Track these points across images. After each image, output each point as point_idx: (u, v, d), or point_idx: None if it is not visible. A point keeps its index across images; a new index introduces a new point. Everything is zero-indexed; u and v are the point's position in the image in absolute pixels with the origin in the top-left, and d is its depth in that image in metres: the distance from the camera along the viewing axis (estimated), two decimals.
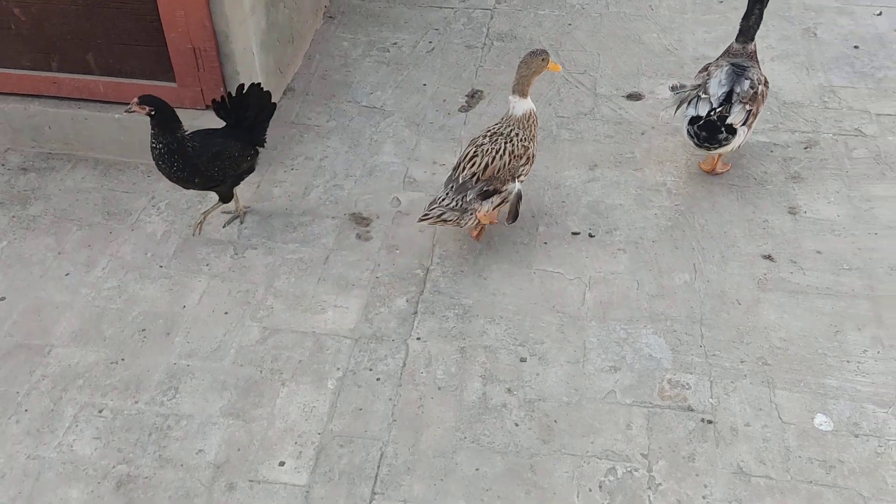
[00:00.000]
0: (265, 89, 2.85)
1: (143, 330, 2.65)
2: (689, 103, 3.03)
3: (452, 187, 2.75)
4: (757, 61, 3.11)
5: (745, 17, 3.08)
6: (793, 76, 3.63)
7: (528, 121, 2.80)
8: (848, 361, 2.47)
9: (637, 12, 4.13)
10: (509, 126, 2.78)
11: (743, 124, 2.92)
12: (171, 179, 2.75)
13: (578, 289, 2.76)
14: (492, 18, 4.15)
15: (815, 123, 3.38)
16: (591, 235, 2.96)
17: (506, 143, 2.75)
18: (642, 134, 3.40)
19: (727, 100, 2.92)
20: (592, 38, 3.98)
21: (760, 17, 3.06)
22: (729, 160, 3.20)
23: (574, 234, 2.97)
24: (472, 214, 2.73)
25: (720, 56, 3.15)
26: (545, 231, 2.99)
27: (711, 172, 3.17)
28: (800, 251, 2.83)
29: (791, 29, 3.92)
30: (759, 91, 2.98)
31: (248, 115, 2.86)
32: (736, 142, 2.93)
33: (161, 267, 2.87)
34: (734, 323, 2.61)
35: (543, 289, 2.77)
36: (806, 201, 3.03)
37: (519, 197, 2.82)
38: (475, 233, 2.93)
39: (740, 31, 3.09)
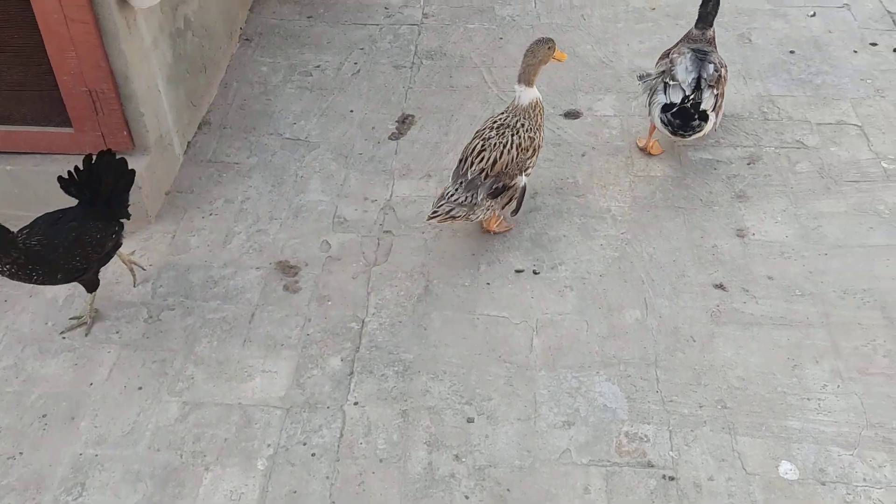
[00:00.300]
0: (118, 156, 2.48)
1: (44, 416, 2.36)
2: (658, 91, 3.00)
3: (462, 183, 2.68)
4: (715, 47, 3.11)
5: (703, 4, 3.07)
6: (730, 86, 3.51)
7: (533, 110, 2.74)
8: (808, 399, 2.36)
9: (569, 23, 3.98)
10: (515, 116, 2.72)
11: (712, 109, 2.93)
12: (35, 284, 2.38)
13: (525, 334, 2.59)
14: (419, 35, 3.94)
15: (756, 137, 3.27)
16: (535, 272, 2.78)
17: (513, 135, 2.69)
18: (583, 156, 3.24)
19: (697, 86, 2.92)
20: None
21: (717, 3, 3.05)
22: (672, 178, 3.08)
23: (518, 271, 2.79)
24: (483, 210, 2.70)
25: (679, 42, 3.15)
26: (487, 270, 2.80)
27: (646, 150, 3.21)
28: (751, 278, 2.72)
29: (725, 35, 3.82)
30: (722, 74, 3.00)
31: (103, 188, 2.45)
32: (708, 127, 2.92)
33: (64, 338, 2.58)
34: (690, 363, 2.47)
35: (488, 336, 2.59)
36: (753, 222, 2.92)
37: (524, 190, 2.79)
38: (492, 227, 2.88)
39: (699, 17, 3.09)
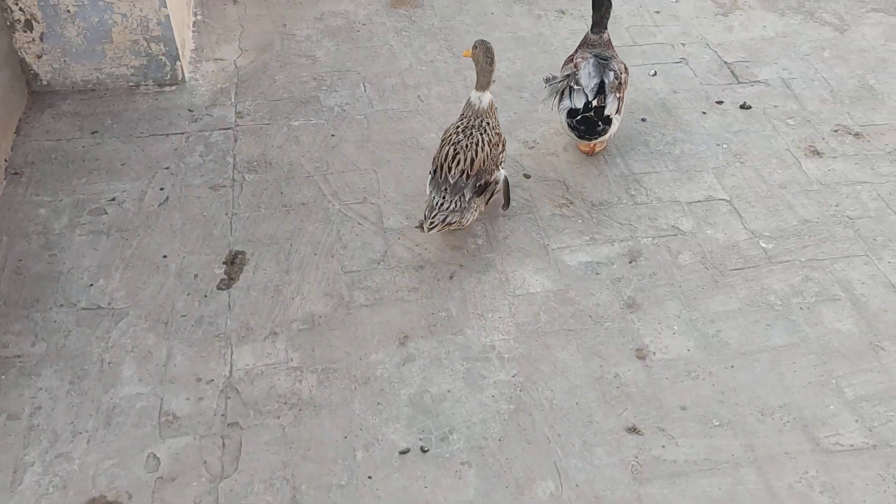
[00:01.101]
0: None
1: None
2: (563, 95, 3.14)
3: (446, 189, 2.76)
4: (612, 48, 3.26)
5: (595, 9, 3.21)
6: (592, 167, 3.25)
7: (491, 109, 2.89)
8: None
9: (406, 107, 3.54)
10: (478, 118, 2.84)
11: (616, 112, 3.09)
12: None
13: None
14: (236, 141, 3.34)
15: (631, 227, 3.00)
16: (423, 450, 2.31)
17: (481, 134, 2.81)
18: (451, 278, 2.81)
19: (601, 90, 3.07)
20: (363, 149, 3.33)
21: (610, 6, 3.19)
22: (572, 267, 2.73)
23: (402, 452, 2.30)
24: (472, 211, 2.79)
25: (579, 46, 3.28)
26: (365, 457, 2.29)
27: (592, 152, 3.28)
28: (664, 412, 2.41)
29: None
30: (623, 80, 3.17)
31: None
32: (612, 130, 3.09)
33: None
34: None
35: None
36: (651, 337, 2.62)
37: (506, 182, 2.94)
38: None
39: (594, 22, 3.23)
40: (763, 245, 2.92)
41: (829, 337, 2.60)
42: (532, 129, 3.42)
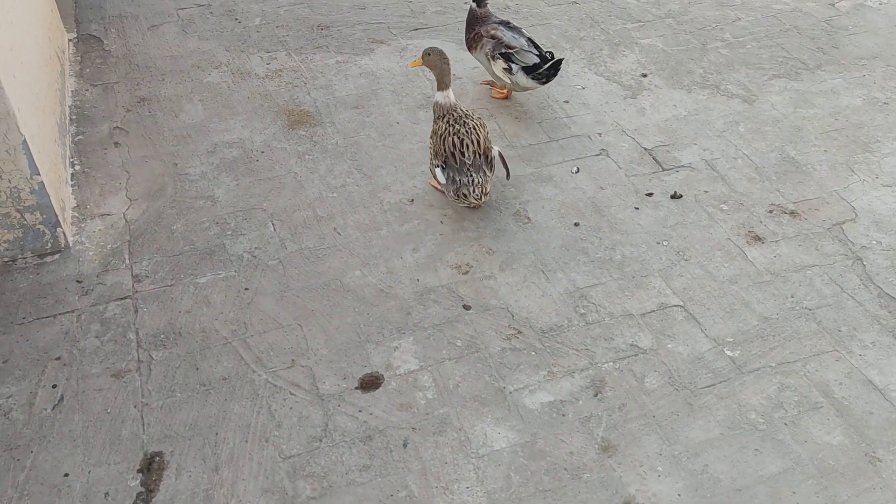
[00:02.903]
0: None
1: None
2: (509, 63, 3.62)
3: (470, 170, 3.13)
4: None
5: None
6: (534, 287, 3.02)
7: (457, 100, 3.32)
8: None
9: (323, 243, 3.24)
10: (454, 111, 3.21)
11: None
12: None
13: None
14: (137, 312, 2.94)
15: (588, 352, 2.77)
16: None
17: (469, 119, 3.19)
18: (405, 446, 2.49)
19: (534, 44, 3.66)
20: (283, 301, 2.99)
21: None
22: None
23: None
24: (489, 182, 3.21)
25: (475, 25, 3.75)
26: None
27: (510, 95, 3.93)
28: None
29: (501, 218, 3.33)
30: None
31: None
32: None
33: None
34: None
35: None
36: (637, 485, 2.36)
37: (501, 155, 3.32)
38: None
39: None
40: (729, 353, 2.74)
41: (822, 454, 2.41)
42: (462, 250, 3.18)
